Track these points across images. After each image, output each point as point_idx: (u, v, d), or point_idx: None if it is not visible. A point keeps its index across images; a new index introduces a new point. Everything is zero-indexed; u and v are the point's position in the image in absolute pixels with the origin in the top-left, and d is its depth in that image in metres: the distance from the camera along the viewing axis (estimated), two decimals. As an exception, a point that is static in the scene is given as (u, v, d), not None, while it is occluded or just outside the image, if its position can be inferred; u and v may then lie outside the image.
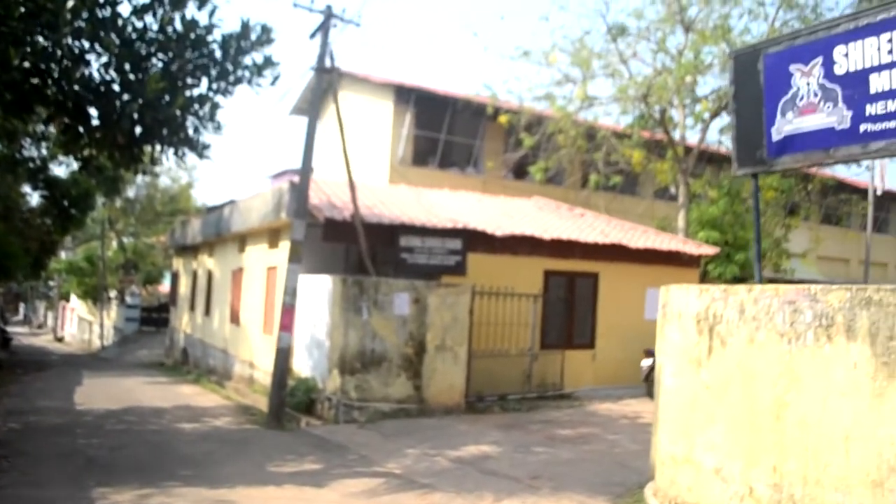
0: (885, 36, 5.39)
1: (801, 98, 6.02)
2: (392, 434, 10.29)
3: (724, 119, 20.43)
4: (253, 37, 10.00)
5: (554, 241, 14.25)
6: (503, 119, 20.03)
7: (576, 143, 20.49)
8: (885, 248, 35.42)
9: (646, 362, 14.31)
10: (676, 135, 20.54)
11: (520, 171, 23.68)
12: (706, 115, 19.95)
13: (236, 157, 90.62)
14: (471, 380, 12.38)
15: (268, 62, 10.28)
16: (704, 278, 18.36)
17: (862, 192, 30.11)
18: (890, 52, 5.36)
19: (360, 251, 12.89)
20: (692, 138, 20.96)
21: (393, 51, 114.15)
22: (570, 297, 14.73)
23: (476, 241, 13.63)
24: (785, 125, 6.19)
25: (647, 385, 14.30)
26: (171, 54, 9.54)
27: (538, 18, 48.21)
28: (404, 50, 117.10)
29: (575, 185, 23.83)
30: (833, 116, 5.79)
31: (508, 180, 23.10)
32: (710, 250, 16.89)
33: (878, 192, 26.17)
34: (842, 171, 27.43)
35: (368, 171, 20.67)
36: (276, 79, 10.42)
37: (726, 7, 19.06)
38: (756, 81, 6.47)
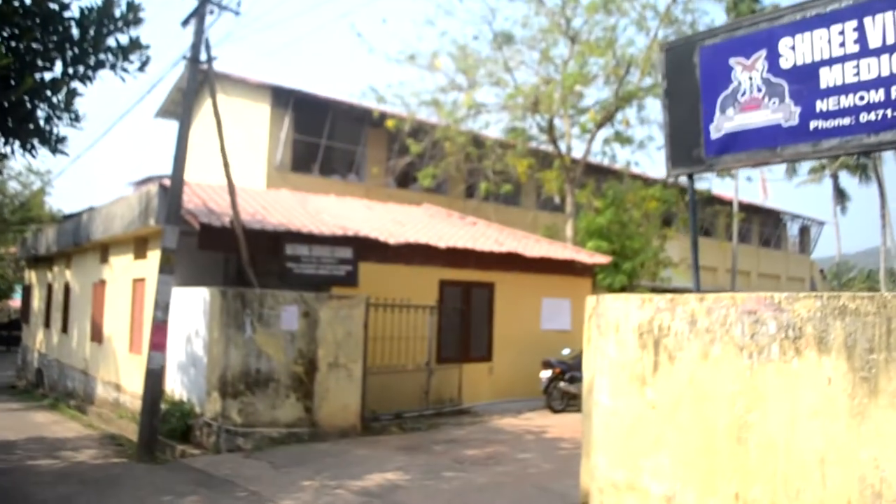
0: (835, 28, 5.07)
1: (743, 93, 5.64)
2: (284, 464, 9.22)
3: (609, 130, 20.70)
4: (117, 14, 8.69)
5: (449, 249, 13.63)
6: (390, 123, 19.30)
7: (464, 151, 20.09)
8: (748, 258, 37.53)
9: (545, 374, 13.95)
10: (563, 145, 20.58)
11: (403, 180, 23.03)
12: (591, 126, 20.07)
13: (95, 164, 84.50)
14: (366, 398, 11.48)
15: (135, 44, 8.95)
16: (593, 288, 18.35)
17: (728, 205, 31.70)
18: (842, 44, 5.03)
19: (242, 261, 11.71)
20: (578, 149, 21.10)
21: (272, 50, 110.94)
22: (467, 308, 14.15)
23: (368, 249, 12.77)
24: (725, 122, 5.79)
25: (547, 398, 13.93)
26: (16, 30, 8.09)
27: (424, 23, 48.00)
28: (285, 50, 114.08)
29: (460, 194, 23.45)
30: (779, 113, 5.43)
31: (392, 188, 22.34)
32: (603, 259, 16.85)
33: (764, 203, 27.61)
34: (717, 185, 28.72)
35: (245, 178, 19.29)
36: (144, 64, 9.11)
37: (612, 19, 19.28)
38: (691, 76, 6.05)
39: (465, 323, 14.08)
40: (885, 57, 4.83)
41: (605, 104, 20.06)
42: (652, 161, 47.52)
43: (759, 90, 5.51)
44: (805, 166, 41.15)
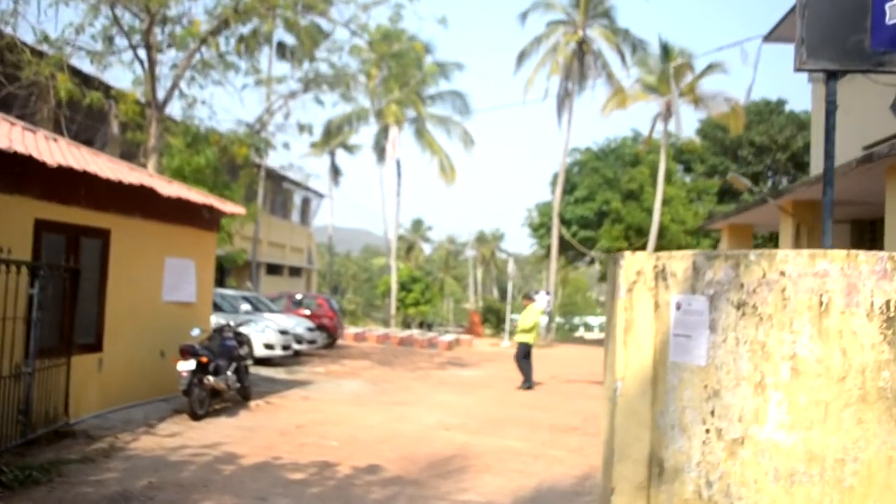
0: None
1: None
2: None
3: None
4: None
5: (61, 170, 8.30)
6: None
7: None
8: (261, 225, 35.59)
9: (186, 366, 9.75)
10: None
11: None
12: (192, 42, 15.54)
13: None
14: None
15: None
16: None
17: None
18: None
19: None
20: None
21: None
22: (74, 268, 8.95)
23: None
24: (924, 1, 3.72)
25: (189, 400, 9.76)
26: None
27: None
28: None
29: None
30: None
31: None
32: (237, 209, 12.90)
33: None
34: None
35: None
36: None
37: None
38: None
39: (70, 292, 8.85)
40: None
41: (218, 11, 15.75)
42: (241, 102, 42.68)
43: None
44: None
